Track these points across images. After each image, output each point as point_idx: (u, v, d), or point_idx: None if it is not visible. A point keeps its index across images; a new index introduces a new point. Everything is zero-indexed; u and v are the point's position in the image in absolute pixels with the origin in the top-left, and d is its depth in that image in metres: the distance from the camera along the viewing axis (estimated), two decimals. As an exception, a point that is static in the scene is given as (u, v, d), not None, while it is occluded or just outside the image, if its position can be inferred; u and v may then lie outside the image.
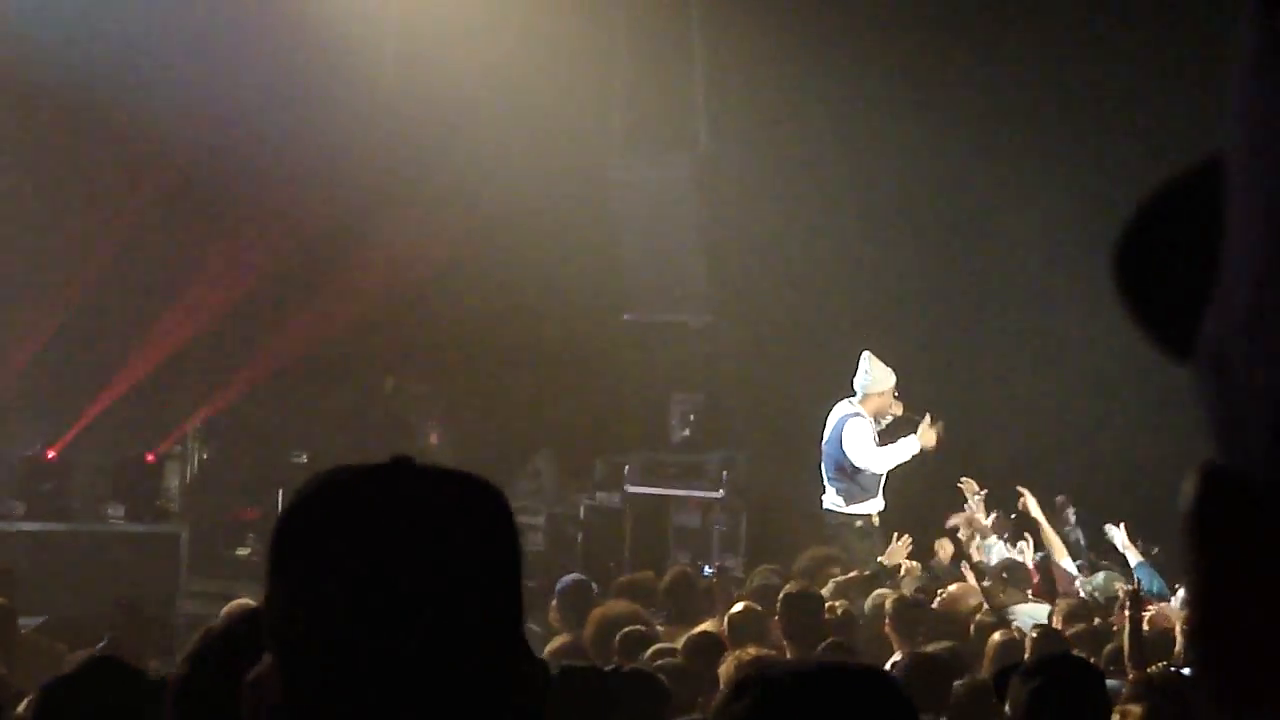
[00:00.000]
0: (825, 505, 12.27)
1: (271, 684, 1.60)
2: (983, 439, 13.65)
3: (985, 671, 7.06)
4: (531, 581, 10.94)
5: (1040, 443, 13.39)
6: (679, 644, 7.37)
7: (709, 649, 7.13)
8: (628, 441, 14.76)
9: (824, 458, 12.28)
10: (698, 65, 14.78)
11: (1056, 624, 9.03)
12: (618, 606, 8.33)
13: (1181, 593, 9.41)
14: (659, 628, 8.31)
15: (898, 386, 12.23)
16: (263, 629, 1.63)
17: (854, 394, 12.26)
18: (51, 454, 13.14)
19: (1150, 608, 8.91)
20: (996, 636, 8.01)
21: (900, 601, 8.69)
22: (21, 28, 13.86)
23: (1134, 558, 10.91)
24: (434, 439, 15.52)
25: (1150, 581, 10.56)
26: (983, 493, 11.80)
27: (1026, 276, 13.88)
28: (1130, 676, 7.17)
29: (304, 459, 14.80)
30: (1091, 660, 6.37)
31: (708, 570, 10.98)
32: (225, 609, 2.43)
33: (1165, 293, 0.74)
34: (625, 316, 15.18)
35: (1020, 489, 11.66)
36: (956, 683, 6.28)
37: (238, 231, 15.10)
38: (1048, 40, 13.58)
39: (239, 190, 14.91)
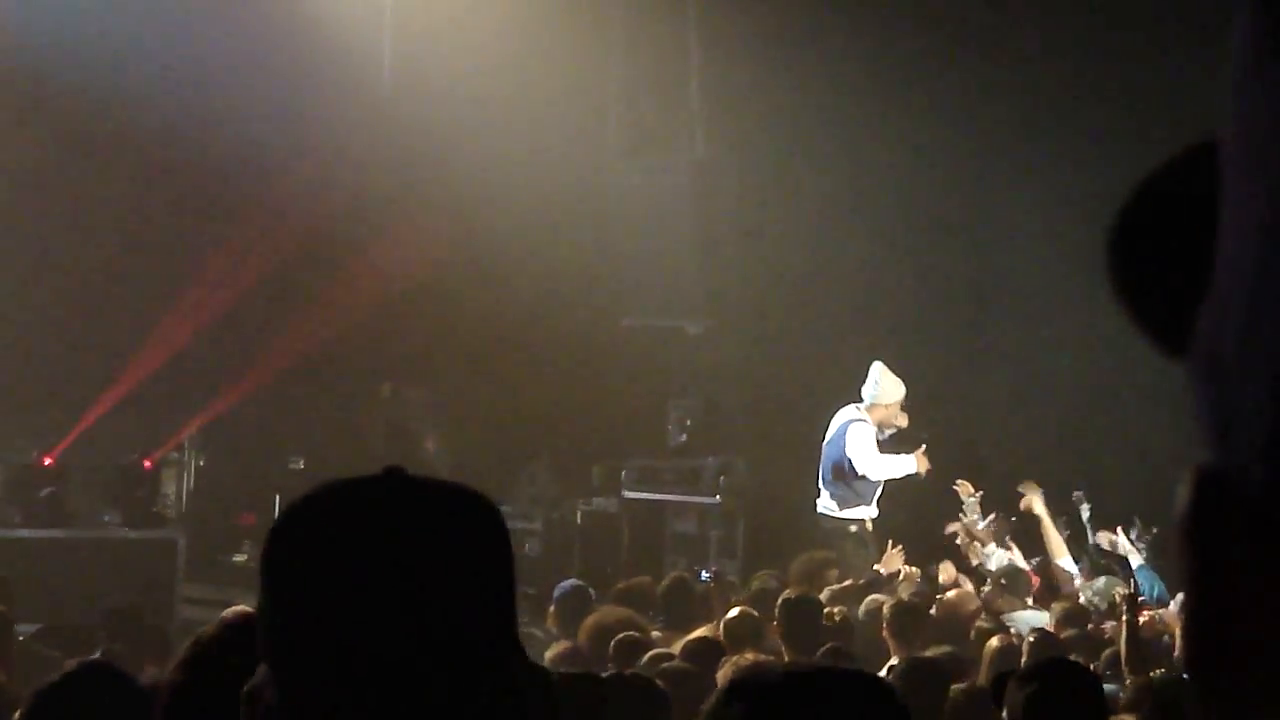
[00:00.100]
0: (819, 509, 12.29)
1: (267, 694, 1.59)
2: (982, 439, 13.66)
3: (983, 677, 7.06)
4: (530, 588, 10.98)
5: (1041, 442, 13.39)
6: (676, 649, 7.37)
7: (707, 654, 7.13)
8: (625, 447, 14.76)
9: (823, 459, 12.29)
10: (694, 71, 14.79)
11: (1051, 626, 9.03)
12: (611, 613, 8.33)
13: (1181, 595, 9.39)
14: (655, 633, 8.31)
15: (904, 399, 12.23)
16: (256, 639, 1.63)
17: (861, 400, 12.26)
18: (48, 460, 13.13)
19: (1146, 612, 8.92)
20: (994, 642, 8.01)
21: (898, 606, 8.68)
22: (20, 29, 13.87)
23: (1135, 560, 10.91)
24: (431, 445, 15.51)
25: (1151, 585, 10.56)
26: (979, 494, 11.79)
27: (1026, 276, 13.87)
28: (1127, 681, 7.17)
29: (301, 465, 14.80)
30: (1089, 665, 6.36)
31: (705, 575, 10.98)
32: (220, 616, 2.42)
33: (1160, 287, 0.73)
34: (622, 322, 15.19)
35: (1025, 486, 11.63)
36: (955, 686, 6.28)
37: (235, 238, 15.09)
38: (1047, 43, 13.58)
39: (236, 196, 14.92)
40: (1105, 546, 11.30)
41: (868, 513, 12.15)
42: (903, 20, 13.89)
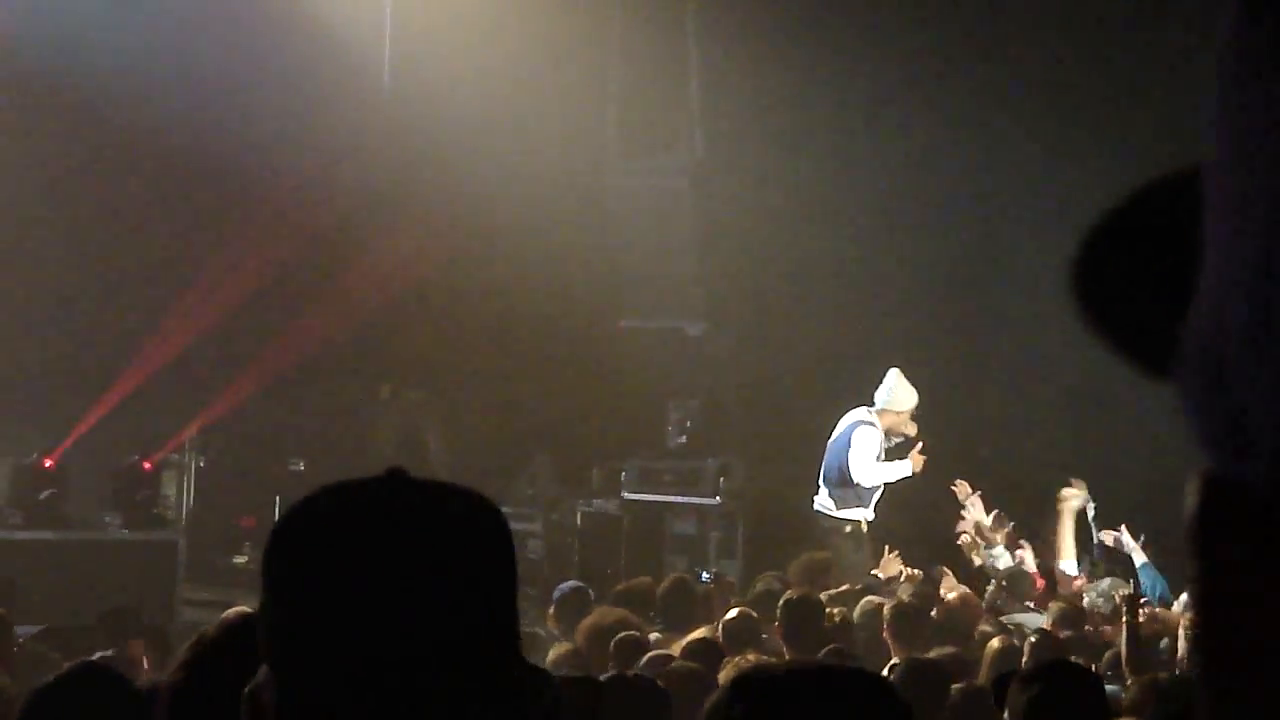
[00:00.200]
0: (816, 506, 12.27)
1: (267, 696, 1.59)
2: (982, 439, 13.66)
3: (983, 678, 7.05)
4: (530, 589, 10.98)
5: (1041, 442, 13.38)
6: (675, 651, 7.37)
7: (706, 655, 7.13)
8: (624, 448, 14.76)
9: (826, 457, 12.26)
10: (693, 72, 14.79)
11: (1047, 625, 9.03)
12: (609, 614, 8.33)
13: (1185, 596, 9.41)
14: (654, 635, 8.31)
15: (915, 408, 12.21)
16: (257, 641, 1.62)
17: (871, 404, 12.23)
18: (49, 462, 13.12)
19: (1146, 611, 8.91)
20: (995, 643, 8.00)
21: (898, 607, 8.68)
22: (21, 29, 13.87)
23: (1139, 559, 10.91)
24: (431, 446, 15.51)
25: (1154, 585, 10.56)
26: (976, 494, 11.78)
27: (1028, 275, 13.86)
28: (1129, 682, 7.16)
29: (301, 467, 14.79)
30: (1090, 666, 6.35)
31: (705, 576, 10.98)
32: (221, 617, 2.42)
33: (1133, 308, 0.73)
34: (621, 323, 15.19)
35: (1076, 484, 11.59)
36: (955, 686, 6.27)
37: (235, 240, 15.09)
38: (1047, 41, 13.58)
39: (236, 199, 14.93)
40: (1109, 544, 11.29)
41: (864, 515, 12.14)
42: (903, 19, 13.89)
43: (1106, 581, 10.67)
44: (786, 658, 7.77)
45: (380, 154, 14.83)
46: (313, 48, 14.41)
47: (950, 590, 10.41)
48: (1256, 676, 0.66)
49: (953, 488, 11.88)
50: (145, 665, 7.58)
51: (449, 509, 1.64)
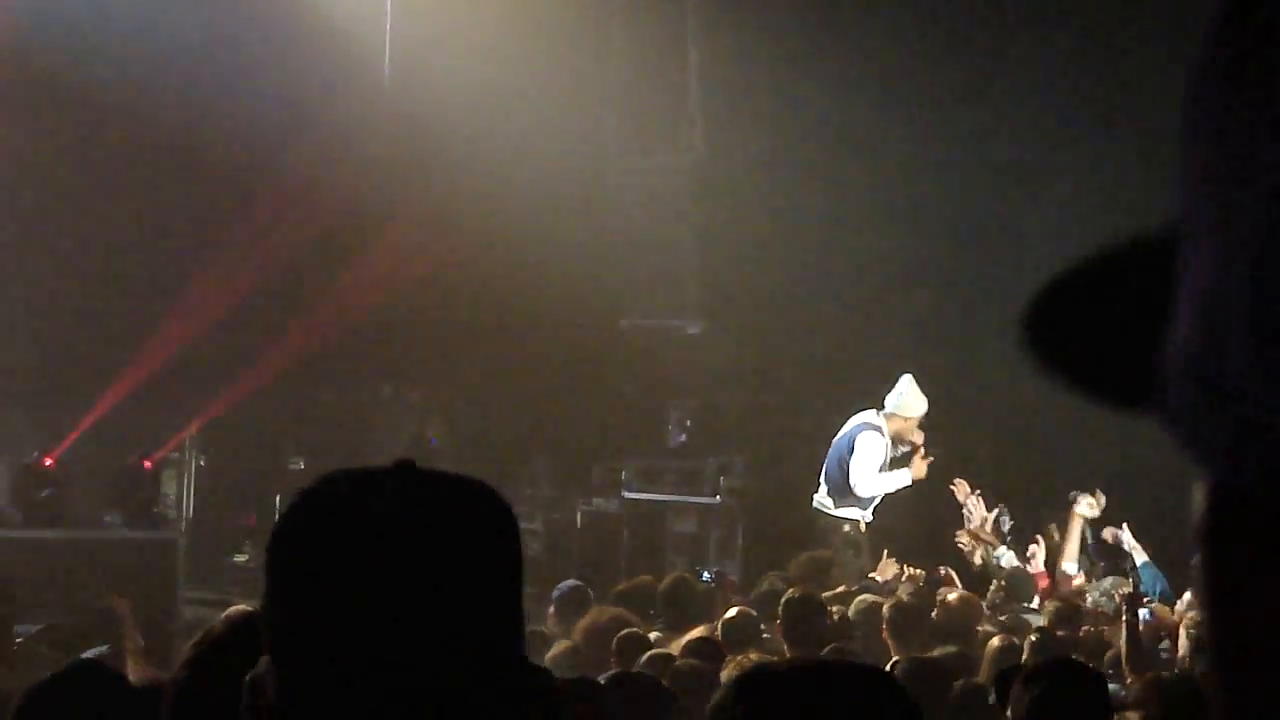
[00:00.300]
0: (815, 502, 12.26)
1: (269, 685, 1.58)
2: (981, 439, 13.65)
3: (984, 677, 7.05)
4: (530, 588, 10.96)
5: (1040, 441, 13.37)
6: (675, 649, 7.36)
7: (706, 654, 7.12)
8: (625, 447, 14.76)
9: (829, 455, 12.25)
10: (693, 70, 14.79)
11: (1043, 623, 9.04)
12: (605, 613, 8.33)
13: (1188, 595, 9.40)
14: (654, 634, 8.30)
15: (924, 416, 12.18)
16: (259, 630, 1.62)
17: (880, 406, 12.21)
18: (48, 461, 13.11)
19: (1146, 606, 8.91)
20: (995, 642, 8.00)
21: (897, 607, 8.68)
22: (22, 26, 13.86)
23: (1140, 558, 10.90)
24: (431, 445, 15.51)
25: (1154, 583, 10.56)
26: (975, 493, 11.78)
27: (1028, 273, 13.86)
28: (1128, 681, 7.16)
29: (301, 465, 14.80)
30: (1091, 665, 6.35)
31: (707, 576, 10.97)
32: (224, 614, 2.41)
33: (1095, 348, 0.74)
34: (621, 323, 15.19)
35: (1096, 496, 11.55)
36: (957, 682, 6.27)
37: (235, 238, 15.09)
38: (1048, 41, 13.57)
39: (236, 196, 14.92)
40: (1109, 541, 11.29)
41: (862, 514, 12.13)
42: (903, 18, 13.88)
43: (1109, 580, 10.67)
44: (787, 656, 7.77)
45: (380, 153, 14.82)
46: (313, 46, 14.41)
47: (951, 591, 10.41)
48: (1268, 679, 0.66)
49: (951, 487, 11.88)
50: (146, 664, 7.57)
51: (456, 500, 1.63)
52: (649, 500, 14.19)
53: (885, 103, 13.82)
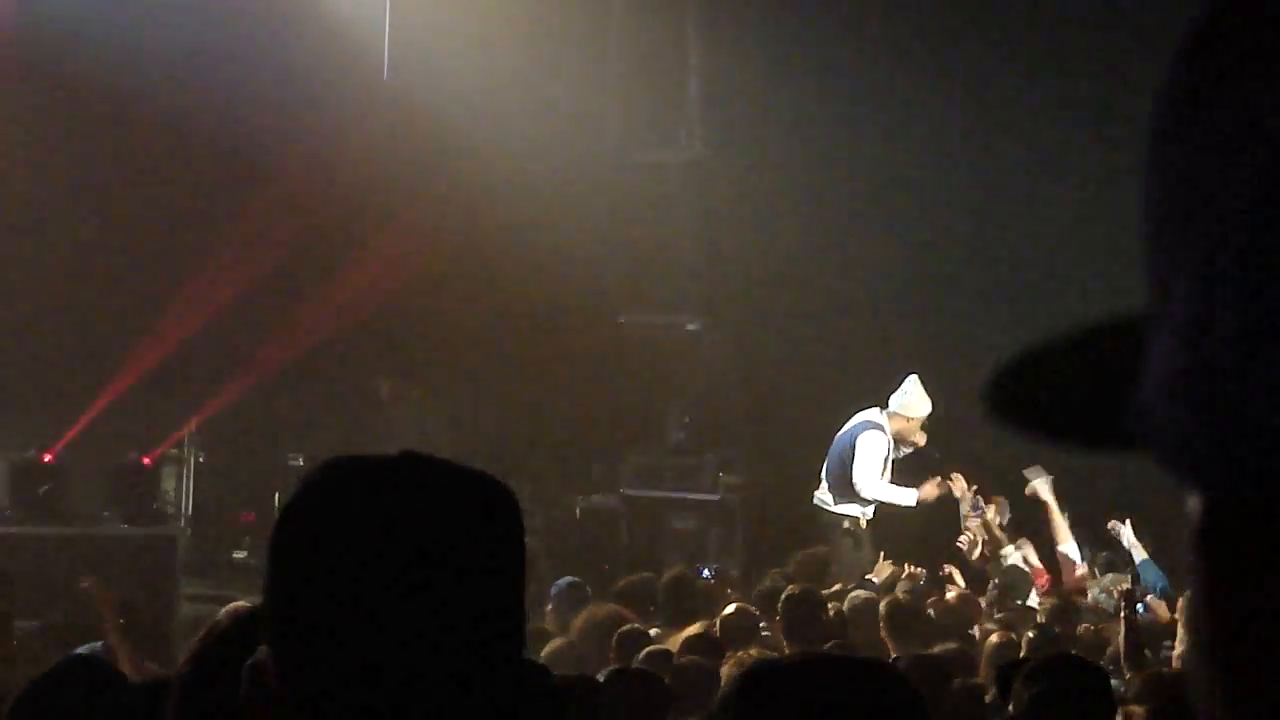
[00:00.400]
0: (815, 499, 12.24)
1: (268, 671, 1.58)
2: (979, 434, 13.63)
3: (983, 673, 7.05)
4: (529, 585, 10.94)
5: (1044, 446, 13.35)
6: (673, 645, 7.37)
7: (705, 650, 7.13)
8: (624, 444, 14.76)
9: (831, 451, 12.21)
10: (693, 67, 14.79)
11: (1042, 619, 9.03)
12: (600, 609, 8.33)
13: (1189, 593, 9.38)
14: (654, 630, 8.31)
15: (927, 418, 12.15)
16: (260, 617, 1.61)
17: (885, 405, 12.17)
18: (48, 457, 13.11)
19: (1145, 600, 8.92)
20: (994, 639, 8.01)
21: (893, 604, 8.68)
22: (21, 21, 13.85)
23: (1140, 555, 10.90)
24: (430, 441, 15.50)
25: (1155, 580, 10.55)
26: (973, 489, 11.76)
27: (1028, 271, 13.86)
28: (1127, 676, 7.17)
29: (300, 462, 14.77)
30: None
31: (706, 572, 10.97)
32: (226, 609, 2.41)
33: (1064, 397, 0.75)
34: (620, 319, 15.18)
35: (1031, 471, 11.53)
36: (955, 681, 6.27)
37: (234, 235, 15.09)
38: (1047, 40, 13.57)
39: (235, 194, 14.91)
40: (1111, 534, 11.27)
41: (862, 512, 12.11)
42: (903, 17, 13.88)
43: (1108, 577, 10.67)
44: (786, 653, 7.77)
45: (379, 148, 14.81)
46: (313, 42, 14.40)
47: (951, 590, 10.41)
48: (1261, 683, 0.66)
49: (949, 481, 11.86)
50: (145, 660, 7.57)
51: (461, 489, 1.63)
52: (648, 497, 14.19)
53: (886, 102, 13.82)
